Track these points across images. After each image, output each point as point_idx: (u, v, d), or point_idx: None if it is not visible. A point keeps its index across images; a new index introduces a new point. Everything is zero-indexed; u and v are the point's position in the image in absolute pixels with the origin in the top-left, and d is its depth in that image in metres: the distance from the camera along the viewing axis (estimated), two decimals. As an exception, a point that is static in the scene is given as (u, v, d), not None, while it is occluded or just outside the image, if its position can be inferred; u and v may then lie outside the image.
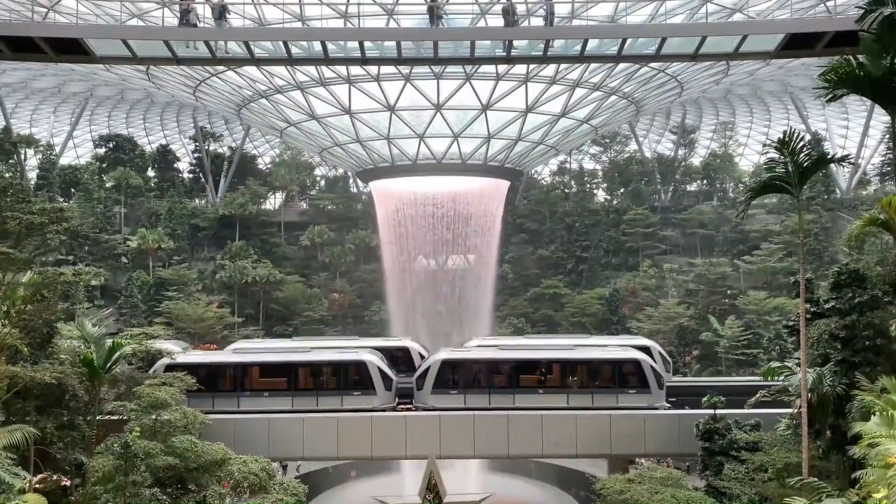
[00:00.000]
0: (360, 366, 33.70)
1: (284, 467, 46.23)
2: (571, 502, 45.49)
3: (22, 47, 28.82)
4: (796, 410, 23.09)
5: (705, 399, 30.80)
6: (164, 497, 23.87)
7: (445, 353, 35.14)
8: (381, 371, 33.68)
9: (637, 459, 39.91)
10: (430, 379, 33.72)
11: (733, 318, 62.33)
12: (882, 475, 14.96)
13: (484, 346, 39.19)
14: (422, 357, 39.56)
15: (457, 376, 34.24)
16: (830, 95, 22.89)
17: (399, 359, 38.99)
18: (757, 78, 64.62)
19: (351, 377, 33.98)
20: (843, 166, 35.58)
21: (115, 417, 28.20)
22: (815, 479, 19.53)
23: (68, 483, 26.80)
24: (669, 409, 33.62)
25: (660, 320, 64.17)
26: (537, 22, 35.01)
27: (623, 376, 34.06)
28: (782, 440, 25.55)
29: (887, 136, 66.97)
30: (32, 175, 79.03)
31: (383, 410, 33.16)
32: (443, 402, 33.27)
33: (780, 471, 23.41)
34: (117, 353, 27.58)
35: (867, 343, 21.63)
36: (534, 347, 37.60)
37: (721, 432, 29.18)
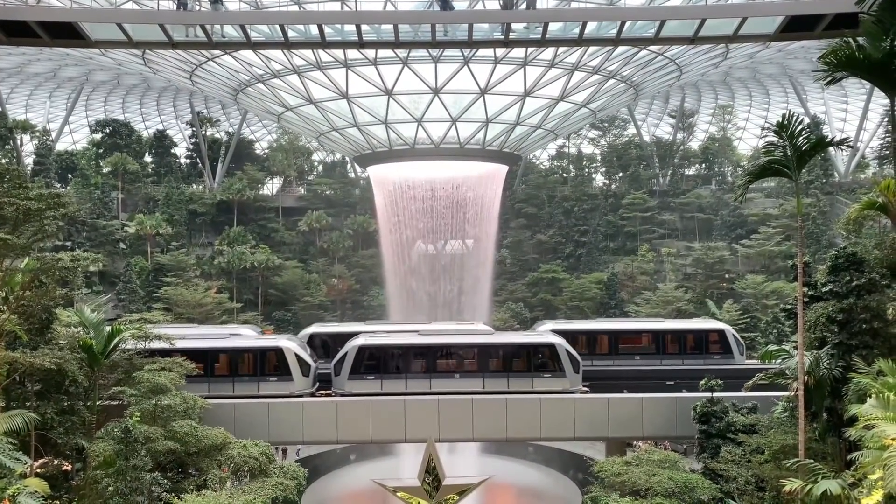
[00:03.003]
0: (278, 352, 33.77)
1: (284, 451, 46.52)
2: (569, 485, 45.84)
3: (16, 31, 28.64)
4: (793, 393, 23.21)
5: (703, 382, 30.94)
6: (165, 481, 24.03)
7: (362, 339, 35.20)
8: (298, 357, 33.81)
9: (634, 442, 40.19)
10: (347, 365, 33.87)
11: (731, 302, 62.51)
12: (878, 457, 15.08)
13: (558, 329, 39.39)
14: None
15: (374, 362, 34.35)
16: (830, 78, 22.78)
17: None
18: (756, 61, 64.35)
19: (268, 363, 34.01)
20: (842, 149, 35.60)
21: (114, 403, 28.30)
22: (811, 460, 19.66)
23: (69, 468, 26.93)
24: (587, 392, 33.89)
25: (658, 304, 64.32)
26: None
27: (538, 360, 34.30)
28: (779, 423, 25.68)
29: (886, 119, 66.81)
30: (29, 161, 78.76)
31: (300, 396, 33.26)
32: (360, 387, 33.41)
33: (777, 453, 23.55)
34: (116, 339, 27.64)
35: (864, 326, 21.68)
36: (452, 333, 37.71)
37: (718, 415, 29.34)
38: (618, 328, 40.73)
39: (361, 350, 34.19)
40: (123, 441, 22.04)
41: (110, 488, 21.89)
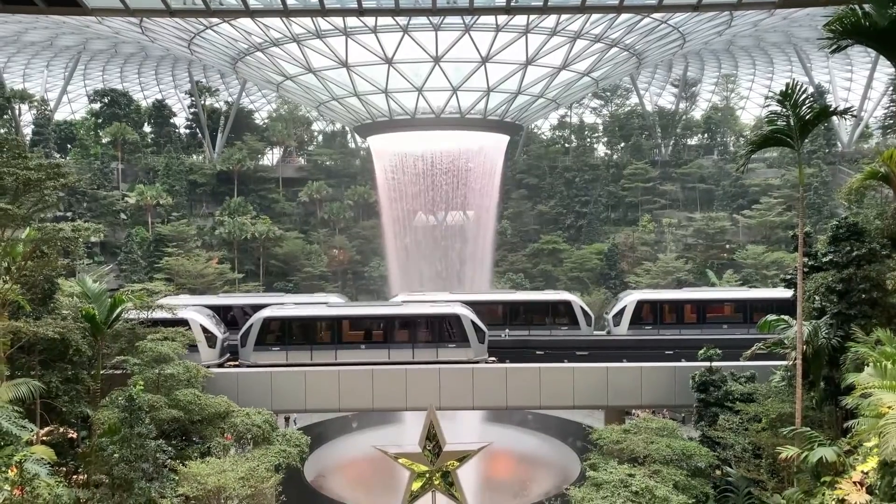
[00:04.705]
0: (183, 324, 33.67)
1: (287, 420, 47.06)
2: (569, 452, 46.40)
3: (12, -1, 28.27)
4: (791, 362, 23.35)
5: (701, 352, 31.13)
6: (170, 448, 24.32)
7: (268, 311, 35.44)
8: (204, 328, 34.03)
9: (633, 411, 40.59)
10: (252, 336, 34.20)
11: (731, 273, 62.64)
12: (873, 424, 15.23)
13: (644, 299, 40.24)
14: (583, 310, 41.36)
15: (279, 333, 34.68)
16: (835, 46, 22.51)
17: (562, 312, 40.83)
18: (760, 29, 63.59)
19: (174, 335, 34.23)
20: (845, 119, 35.32)
21: (118, 372, 28.56)
22: (808, 428, 19.88)
23: (75, 435, 27.27)
24: (494, 362, 34.35)
25: (658, 275, 64.48)
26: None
27: (444, 331, 34.72)
28: (776, 391, 25.87)
29: (891, 87, 66.27)
30: (27, 131, 78.38)
31: (207, 367, 33.10)
32: (265, 358, 33.80)
33: (774, 421, 23.80)
34: (119, 309, 27.79)
35: (863, 296, 21.72)
36: (359, 304, 37.96)
37: (717, 384, 29.57)
38: (705, 297, 41.05)
39: (266, 321, 34.55)
40: (127, 409, 22.26)
41: (115, 455, 22.18)
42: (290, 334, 34.98)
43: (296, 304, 39.42)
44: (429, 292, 48.32)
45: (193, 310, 35.28)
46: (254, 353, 34.16)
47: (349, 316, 36.06)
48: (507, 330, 40.50)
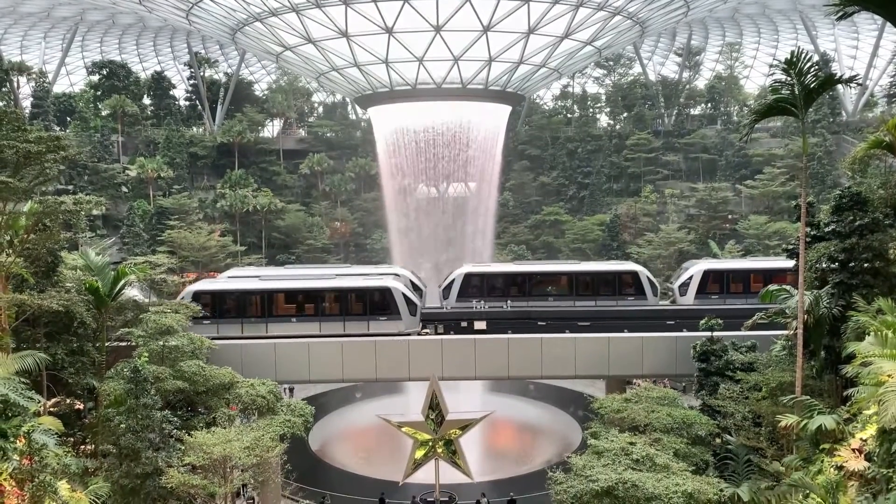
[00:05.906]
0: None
1: (290, 390, 47.50)
2: (570, 421, 46.86)
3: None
4: (792, 332, 23.43)
5: (703, 322, 31.23)
6: (175, 419, 24.61)
7: (199, 285, 35.68)
8: (135, 303, 33.91)
9: (634, 380, 40.91)
10: None
11: (733, 243, 62.57)
12: (873, 392, 15.34)
13: (710, 268, 40.45)
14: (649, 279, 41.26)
15: (211, 307, 34.75)
16: (841, 13, 22.22)
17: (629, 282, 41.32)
18: (766, -5, 62.68)
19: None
20: (850, 87, 34.88)
21: (123, 344, 28.77)
22: (808, 397, 20.01)
23: (81, 406, 27.58)
24: (429, 334, 34.66)
25: (660, 245, 64.45)
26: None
27: (375, 304, 34.95)
28: (777, 361, 25.98)
29: (897, 55, 65.56)
30: (26, 104, 77.91)
31: None
32: (195, 332, 33.42)
33: (774, 390, 23.95)
34: (122, 282, 27.89)
35: (865, 265, 21.70)
36: (291, 278, 38.18)
37: (718, 353, 29.74)
38: (771, 266, 40.85)
39: (196, 295, 34.61)
40: (133, 380, 22.48)
41: (122, 426, 22.44)
42: (221, 308, 35.04)
43: (228, 277, 39.46)
44: (494, 263, 48.36)
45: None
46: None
47: (280, 290, 36.12)
48: (574, 301, 40.57)
